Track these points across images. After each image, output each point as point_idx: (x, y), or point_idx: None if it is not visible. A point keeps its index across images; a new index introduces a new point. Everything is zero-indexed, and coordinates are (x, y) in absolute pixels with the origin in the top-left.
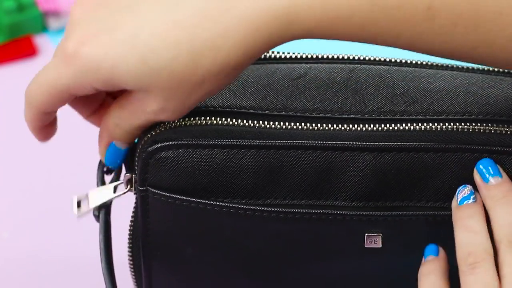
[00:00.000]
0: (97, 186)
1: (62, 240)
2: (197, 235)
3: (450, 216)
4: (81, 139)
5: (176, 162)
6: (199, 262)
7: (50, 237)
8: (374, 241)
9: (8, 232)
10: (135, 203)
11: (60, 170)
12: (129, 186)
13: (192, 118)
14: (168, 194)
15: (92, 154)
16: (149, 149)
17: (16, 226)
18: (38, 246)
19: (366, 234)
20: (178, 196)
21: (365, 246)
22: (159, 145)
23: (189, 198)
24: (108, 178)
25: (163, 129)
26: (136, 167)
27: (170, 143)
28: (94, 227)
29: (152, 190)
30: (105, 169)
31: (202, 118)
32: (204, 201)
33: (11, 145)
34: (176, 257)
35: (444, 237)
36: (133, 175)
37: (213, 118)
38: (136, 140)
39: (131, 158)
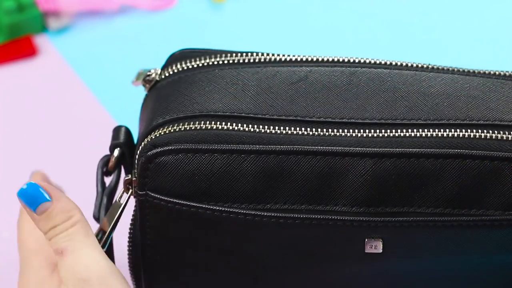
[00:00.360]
0: (97, 187)
1: None
2: (197, 240)
3: (450, 221)
4: (81, 139)
5: (176, 167)
6: (198, 266)
7: None
8: (375, 247)
9: (8, 232)
10: (135, 206)
11: (60, 170)
12: (130, 191)
13: (192, 122)
14: (168, 199)
15: (93, 154)
16: (148, 153)
17: (16, 226)
18: None
19: (366, 240)
20: (177, 201)
21: (365, 251)
22: (158, 149)
23: (188, 203)
24: (107, 179)
25: (162, 133)
26: (135, 171)
27: (170, 147)
28: (94, 228)
29: (152, 194)
30: (104, 169)
31: (202, 122)
32: (203, 205)
33: (11, 145)
34: (175, 261)
35: (445, 243)
36: (133, 178)
37: (213, 123)
38: (135, 142)
39: (131, 161)
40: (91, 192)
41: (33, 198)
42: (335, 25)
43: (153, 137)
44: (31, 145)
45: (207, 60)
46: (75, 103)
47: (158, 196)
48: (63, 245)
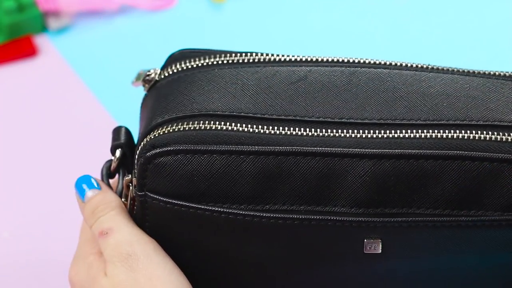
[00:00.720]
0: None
1: (62, 240)
2: (196, 240)
3: (450, 222)
4: (82, 139)
5: (175, 167)
6: (197, 267)
7: (51, 237)
8: (374, 247)
9: (8, 232)
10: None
11: (60, 170)
12: (130, 190)
13: (191, 122)
14: (167, 199)
15: (93, 154)
16: (147, 154)
17: (16, 226)
18: (39, 246)
19: (365, 240)
20: (176, 201)
21: (365, 252)
22: (157, 150)
23: (187, 204)
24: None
25: (161, 133)
26: (135, 171)
27: (169, 148)
28: None
29: (151, 195)
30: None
31: (201, 122)
32: (202, 206)
33: (11, 145)
34: (174, 262)
35: (444, 243)
36: (133, 179)
37: (212, 122)
38: (135, 142)
39: (131, 161)
40: None
41: (82, 188)
42: (334, 25)
43: (152, 137)
44: (31, 145)
45: (207, 60)
46: (75, 103)
47: (157, 197)
48: (106, 226)
